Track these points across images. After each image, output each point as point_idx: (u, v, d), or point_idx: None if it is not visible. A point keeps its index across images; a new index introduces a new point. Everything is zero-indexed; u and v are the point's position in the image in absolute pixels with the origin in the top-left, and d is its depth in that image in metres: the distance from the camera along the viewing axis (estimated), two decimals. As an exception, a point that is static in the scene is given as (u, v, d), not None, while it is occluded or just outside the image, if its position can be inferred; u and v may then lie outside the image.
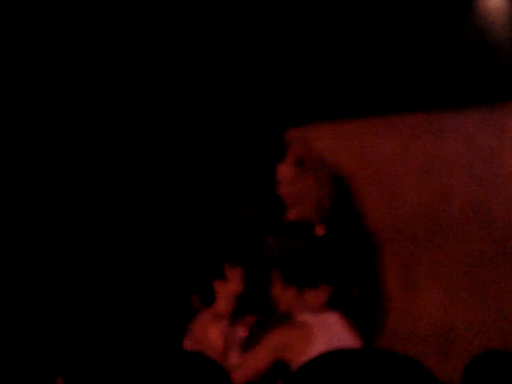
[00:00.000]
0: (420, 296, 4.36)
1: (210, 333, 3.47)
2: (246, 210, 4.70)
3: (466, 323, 4.22)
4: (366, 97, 4.51)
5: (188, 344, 3.56)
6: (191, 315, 3.63)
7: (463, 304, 4.24)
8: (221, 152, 4.99)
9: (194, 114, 5.00)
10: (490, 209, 4.22)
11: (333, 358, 1.85)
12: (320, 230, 3.45)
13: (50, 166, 4.92)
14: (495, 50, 4.21)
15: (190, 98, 5.00)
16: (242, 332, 3.67)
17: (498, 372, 2.94)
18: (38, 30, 4.71)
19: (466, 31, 4.24)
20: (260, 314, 3.74)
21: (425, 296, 4.35)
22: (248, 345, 3.58)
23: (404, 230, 4.44)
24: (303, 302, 3.29)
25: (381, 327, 4.37)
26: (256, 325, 3.72)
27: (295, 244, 3.33)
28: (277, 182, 4.00)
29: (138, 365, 1.85)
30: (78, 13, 4.68)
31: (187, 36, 4.77)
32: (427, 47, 4.31)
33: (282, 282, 3.32)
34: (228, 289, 3.58)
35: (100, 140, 4.98)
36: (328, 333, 3.36)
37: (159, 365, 1.90)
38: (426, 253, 4.38)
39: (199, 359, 1.95)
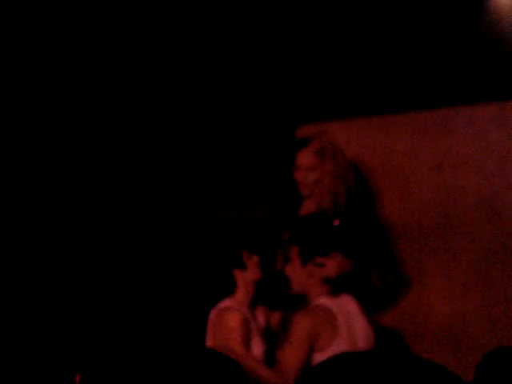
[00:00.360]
0: (431, 292, 4.36)
1: (232, 320, 3.52)
2: (263, 207, 4.71)
3: (476, 319, 4.22)
4: (377, 94, 4.52)
5: (210, 334, 3.62)
6: (210, 306, 3.70)
7: (473, 300, 4.24)
8: (235, 150, 5.02)
9: (209, 112, 5.02)
10: (500, 206, 4.22)
11: (352, 360, 1.87)
12: (336, 222, 3.53)
13: (51, 162, 4.94)
14: (507, 46, 4.21)
15: (206, 95, 5.02)
16: (262, 319, 3.75)
17: (510, 369, 2.95)
18: (38, 30, 4.72)
19: (478, 27, 4.23)
20: (279, 302, 3.81)
21: (435, 292, 4.35)
22: (270, 333, 3.66)
23: (415, 227, 4.45)
24: (320, 280, 3.40)
25: (393, 322, 4.39)
26: (277, 312, 3.78)
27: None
28: (295, 168, 4.01)
29: (155, 362, 1.87)
30: (78, 13, 4.69)
31: (197, 34, 4.78)
32: (439, 44, 4.31)
33: (300, 260, 3.44)
34: (246, 277, 3.65)
35: (113, 139, 5.00)
36: (347, 317, 3.43)
37: (177, 363, 1.92)
38: (437, 249, 4.38)
39: (216, 357, 1.97)
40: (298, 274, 3.50)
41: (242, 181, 4.91)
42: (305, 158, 3.99)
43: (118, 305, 4.89)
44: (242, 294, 3.66)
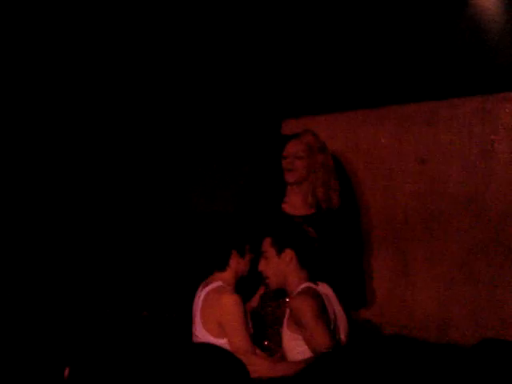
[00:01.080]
0: (416, 286, 4.40)
1: (230, 303, 3.59)
2: (242, 201, 4.74)
3: (461, 312, 4.26)
4: (361, 89, 4.55)
5: (202, 313, 3.66)
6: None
7: (458, 293, 4.28)
8: (218, 144, 5.04)
9: (193, 107, 5.03)
10: (484, 198, 4.24)
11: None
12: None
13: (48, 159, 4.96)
14: (490, 40, 4.23)
15: (188, 90, 5.03)
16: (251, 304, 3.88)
17: (496, 361, 2.99)
18: (38, 30, 4.72)
19: (461, 21, 4.25)
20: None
21: (421, 284, 4.39)
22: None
23: (399, 219, 4.48)
24: (297, 266, 3.55)
25: (379, 313, 4.43)
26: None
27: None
28: (283, 157, 4.05)
29: (148, 357, 1.90)
30: (78, 13, 4.69)
31: (186, 31, 4.79)
32: (422, 38, 4.33)
33: (275, 250, 3.57)
34: (239, 266, 3.73)
35: (99, 135, 5.01)
36: (329, 302, 3.49)
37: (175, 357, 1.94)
38: (422, 242, 4.41)
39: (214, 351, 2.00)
40: (275, 265, 3.56)
41: (220, 174, 4.96)
42: (293, 146, 4.05)
43: (106, 297, 4.92)
44: (230, 276, 3.74)
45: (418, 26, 4.31)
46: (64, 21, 4.71)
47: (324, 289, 3.58)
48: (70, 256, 5.03)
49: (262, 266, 3.62)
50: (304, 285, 3.53)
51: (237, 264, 3.74)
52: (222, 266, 3.74)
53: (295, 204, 4.08)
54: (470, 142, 4.30)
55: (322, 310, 3.43)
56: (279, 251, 3.56)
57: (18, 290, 4.73)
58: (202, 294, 3.70)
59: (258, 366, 3.41)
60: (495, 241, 4.18)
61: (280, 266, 3.56)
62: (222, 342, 3.53)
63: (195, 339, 3.68)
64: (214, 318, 3.60)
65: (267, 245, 3.60)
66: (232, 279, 3.74)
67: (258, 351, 3.58)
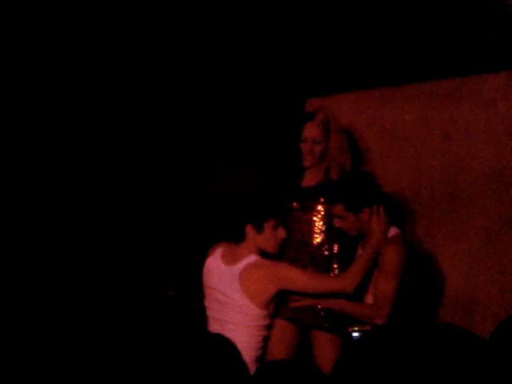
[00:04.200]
0: (441, 259, 4.40)
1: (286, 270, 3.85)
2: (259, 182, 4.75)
3: (486, 287, 4.25)
4: (384, 66, 4.53)
5: (246, 288, 3.80)
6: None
7: (483, 267, 4.26)
8: (235, 124, 5.06)
9: (208, 87, 5.05)
10: (509, 174, 4.23)
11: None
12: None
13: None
14: (514, 15, 4.20)
15: (208, 69, 5.04)
16: None
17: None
18: (38, 30, 4.73)
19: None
20: None
21: (446, 259, 4.38)
22: None
23: (425, 195, 4.48)
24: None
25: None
26: None
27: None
28: (302, 140, 4.07)
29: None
30: (78, 13, 4.69)
31: (205, 14, 4.79)
32: (447, 14, 4.31)
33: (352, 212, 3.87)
34: (256, 239, 3.84)
35: (112, 120, 5.05)
36: None
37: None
38: (447, 217, 4.40)
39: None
40: (353, 223, 3.91)
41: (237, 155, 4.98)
42: (311, 130, 4.05)
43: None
44: (242, 250, 3.89)
45: (443, 3, 4.28)
46: (64, 21, 4.72)
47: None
48: (93, 235, 5.09)
49: (338, 224, 3.92)
50: (393, 231, 3.94)
51: (253, 238, 3.85)
52: (239, 238, 3.80)
53: (309, 182, 4.12)
54: (495, 118, 4.28)
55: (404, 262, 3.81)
56: (356, 213, 3.86)
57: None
58: (228, 270, 3.79)
59: None
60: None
61: (359, 224, 3.90)
62: (264, 312, 3.78)
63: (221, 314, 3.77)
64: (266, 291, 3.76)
65: (340, 211, 3.86)
66: (244, 251, 3.87)
67: None
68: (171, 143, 5.26)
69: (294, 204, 4.04)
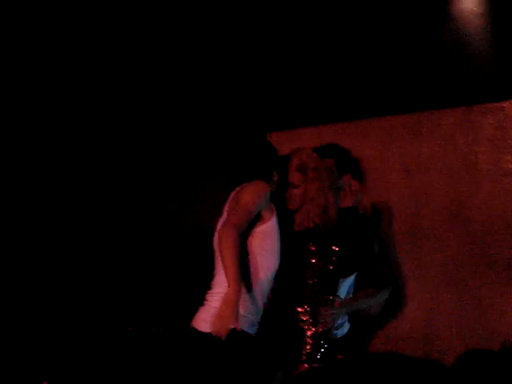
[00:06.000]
0: (403, 295, 4.41)
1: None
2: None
3: (446, 323, 4.26)
4: (344, 101, 4.57)
5: None
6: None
7: (444, 302, 4.28)
8: (206, 156, 5.05)
9: (179, 119, 5.05)
10: (469, 210, 4.27)
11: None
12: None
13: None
14: (470, 52, 4.26)
15: (172, 102, 5.04)
16: None
17: (481, 371, 3.00)
18: (38, 30, 4.73)
19: (442, 34, 4.28)
20: None
21: (407, 295, 4.40)
22: None
23: (386, 231, 4.49)
24: None
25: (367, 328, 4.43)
26: None
27: None
28: (287, 184, 4.03)
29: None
30: (78, 13, 4.70)
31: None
32: (404, 52, 4.36)
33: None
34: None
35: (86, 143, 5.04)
36: None
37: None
38: (408, 253, 4.42)
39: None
40: None
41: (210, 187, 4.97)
42: (289, 176, 4.00)
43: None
44: None
45: (400, 41, 4.33)
46: (64, 21, 4.72)
47: None
48: (57, 267, 5.04)
49: None
50: None
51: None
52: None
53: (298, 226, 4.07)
54: (453, 152, 4.33)
55: None
56: None
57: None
58: None
59: None
60: (480, 252, 4.20)
61: None
62: None
63: None
64: None
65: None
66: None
67: None
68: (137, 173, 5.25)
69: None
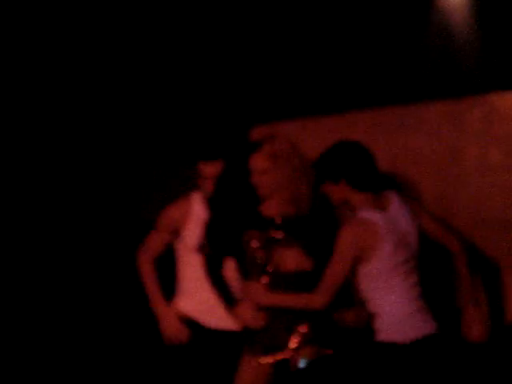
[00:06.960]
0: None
1: None
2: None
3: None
4: (330, 93, 4.54)
5: None
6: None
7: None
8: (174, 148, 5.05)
9: (151, 110, 5.03)
10: (452, 201, 4.25)
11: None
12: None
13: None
14: (457, 44, 4.25)
15: (152, 90, 5.03)
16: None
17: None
18: (38, 30, 4.72)
19: (428, 26, 4.27)
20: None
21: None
22: None
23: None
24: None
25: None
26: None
27: None
28: (251, 172, 3.96)
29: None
30: (78, 13, 4.69)
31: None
32: (391, 43, 4.35)
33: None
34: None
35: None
36: (392, 226, 3.63)
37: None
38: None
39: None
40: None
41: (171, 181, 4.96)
42: (257, 161, 3.92)
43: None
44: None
45: (386, 32, 4.32)
46: (64, 21, 4.71)
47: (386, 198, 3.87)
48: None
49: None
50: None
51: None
52: None
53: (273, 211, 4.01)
54: (438, 145, 4.30)
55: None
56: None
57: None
58: None
59: None
60: (467, 246, 4.16)
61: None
62: None
63: None
64: None
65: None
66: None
67: None
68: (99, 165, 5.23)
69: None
